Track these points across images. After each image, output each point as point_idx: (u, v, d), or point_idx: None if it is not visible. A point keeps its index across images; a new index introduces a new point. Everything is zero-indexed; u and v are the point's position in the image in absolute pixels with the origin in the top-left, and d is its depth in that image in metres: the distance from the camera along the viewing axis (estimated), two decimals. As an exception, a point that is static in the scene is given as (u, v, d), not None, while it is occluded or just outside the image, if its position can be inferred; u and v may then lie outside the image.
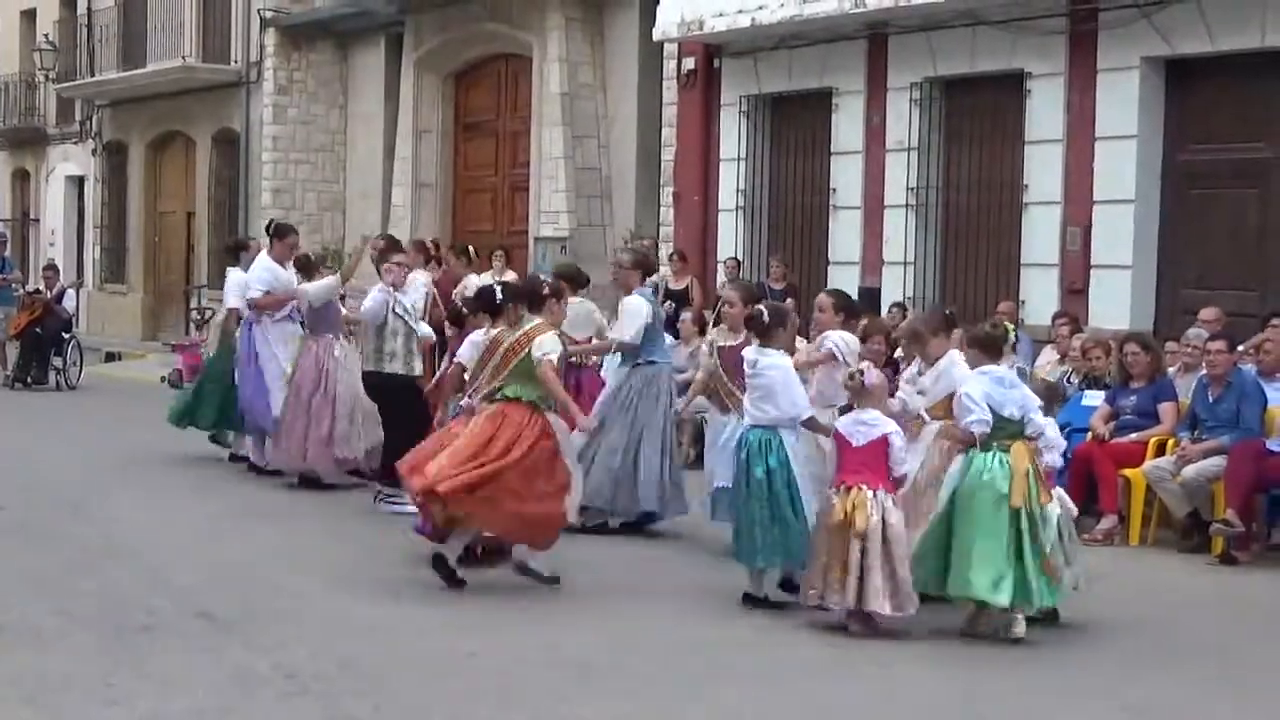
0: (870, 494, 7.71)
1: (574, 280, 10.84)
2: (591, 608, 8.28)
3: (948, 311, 9.04)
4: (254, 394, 12.54)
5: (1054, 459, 8.22)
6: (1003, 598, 7.65)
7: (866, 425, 7.86)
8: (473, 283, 11.78)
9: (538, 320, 8.72)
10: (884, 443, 7.80)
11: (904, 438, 7.97)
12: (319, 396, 11.89)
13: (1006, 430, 7.87)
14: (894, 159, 16.24)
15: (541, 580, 8.65)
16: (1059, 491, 8.25)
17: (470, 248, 13.27)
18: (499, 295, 9.02)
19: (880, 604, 7.61)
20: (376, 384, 11.41)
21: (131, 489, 12.09)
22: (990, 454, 7.82)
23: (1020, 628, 7.70)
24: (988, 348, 8.09)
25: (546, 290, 8.95)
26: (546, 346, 8.50)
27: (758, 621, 7.96)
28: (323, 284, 12.18)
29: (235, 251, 13.90)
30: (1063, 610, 8.09)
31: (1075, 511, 8.47)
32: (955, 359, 8.37)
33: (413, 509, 10.66)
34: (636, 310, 10.46)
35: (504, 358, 8.61)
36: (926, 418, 8.39)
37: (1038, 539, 7.72)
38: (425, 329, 11.48)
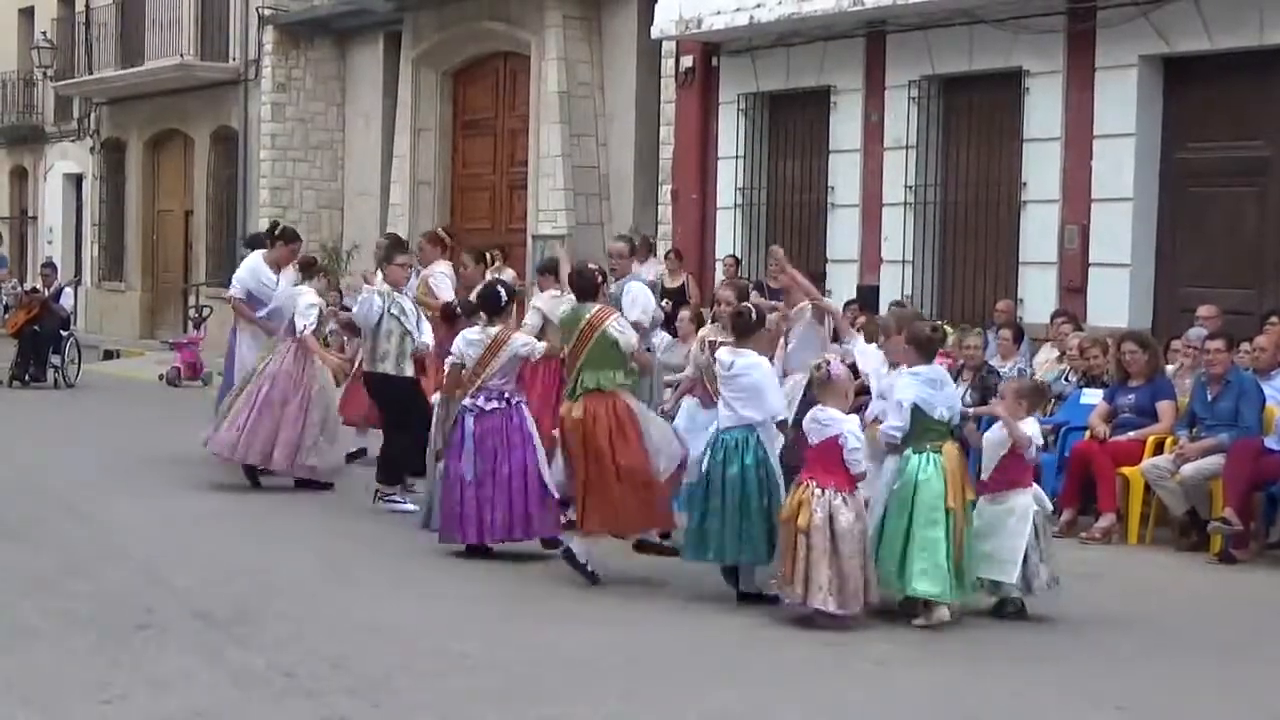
0: (817, 491, 7.77)
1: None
2: (591, 608, 8.28)
3: (933, 327, 8.94)
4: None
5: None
6: (936, 590, 7.73)
7: (820, 424, 7.92)
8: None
9: (597, 306, 8.99)
10: (835, 442, 7.84)
11: (861, 438, 7.97)
12: (294, 401, 11.74)
13: (937, 431, 7.94)
14: (892, 157, 16.23)
15: (584, 575, 8.72)
16: (1036, 489, 8.29)
17: (488, 253, 13.21)
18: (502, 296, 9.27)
19: (824, 601, 7.66)
20: (373, 385, 11.38)
21: (129, 488, 12.07)
22: (924, 455, 7.90)
23: (943, 613, 7.80)
24: (923, 349, 8.16)
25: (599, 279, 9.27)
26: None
27: (756, 621, 7.95)
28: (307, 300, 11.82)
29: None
30: (1060, 608, 8.11)
31: (1050, 508, 8.57)
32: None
33: (411, 507, 10.69)
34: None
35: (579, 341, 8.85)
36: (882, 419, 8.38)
37: (961, 535, 7.79)
38: (423, 338, 11.19)
